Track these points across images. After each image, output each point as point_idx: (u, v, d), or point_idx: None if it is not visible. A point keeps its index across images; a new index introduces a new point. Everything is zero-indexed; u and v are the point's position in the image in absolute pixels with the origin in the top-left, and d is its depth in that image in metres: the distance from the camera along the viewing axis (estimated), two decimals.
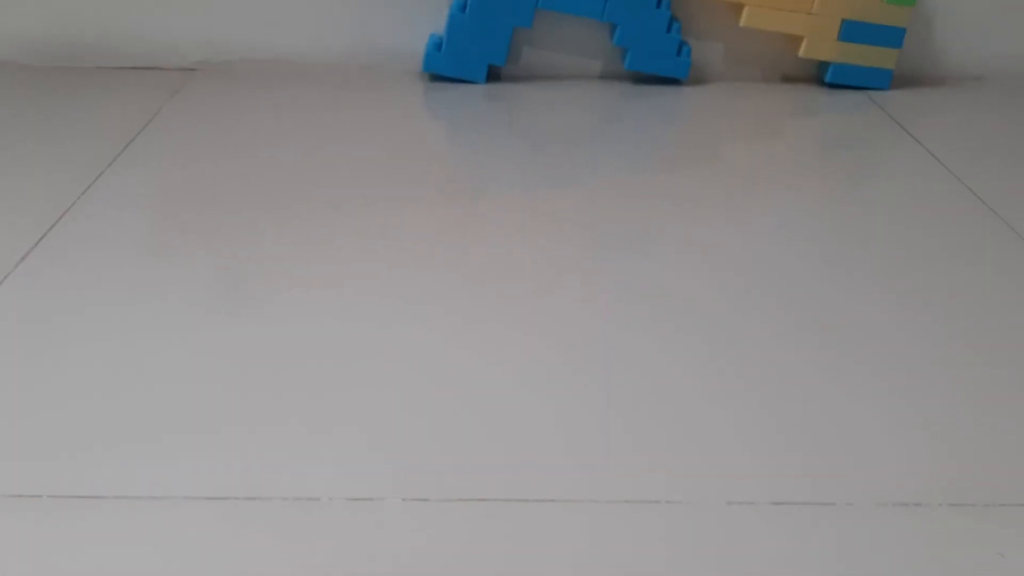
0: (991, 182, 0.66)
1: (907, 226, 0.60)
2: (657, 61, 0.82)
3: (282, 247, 0.55)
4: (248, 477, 0.37)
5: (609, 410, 0.42)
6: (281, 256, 0.54)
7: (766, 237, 0.58)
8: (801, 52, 0.84)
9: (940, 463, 0.39)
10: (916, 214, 0.62)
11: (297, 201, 0.60)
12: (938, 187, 0.66)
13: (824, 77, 0.85)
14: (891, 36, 0.83)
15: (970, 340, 0.48)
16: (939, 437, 0.41)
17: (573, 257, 0.55)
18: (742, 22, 0.81)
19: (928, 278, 0.54)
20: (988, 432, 0.41)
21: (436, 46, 0.81)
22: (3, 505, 0.36)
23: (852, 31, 0.82)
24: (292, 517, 0.35)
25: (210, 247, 0.54)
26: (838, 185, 0.69)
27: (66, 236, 0.55)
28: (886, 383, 0.44)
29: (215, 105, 0.76)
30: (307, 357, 0.45)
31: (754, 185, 0.66)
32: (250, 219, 0.57)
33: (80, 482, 0.37)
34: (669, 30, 0.81)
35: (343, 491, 0.37)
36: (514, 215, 0.60)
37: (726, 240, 0.58)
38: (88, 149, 0.66)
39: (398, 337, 0.47)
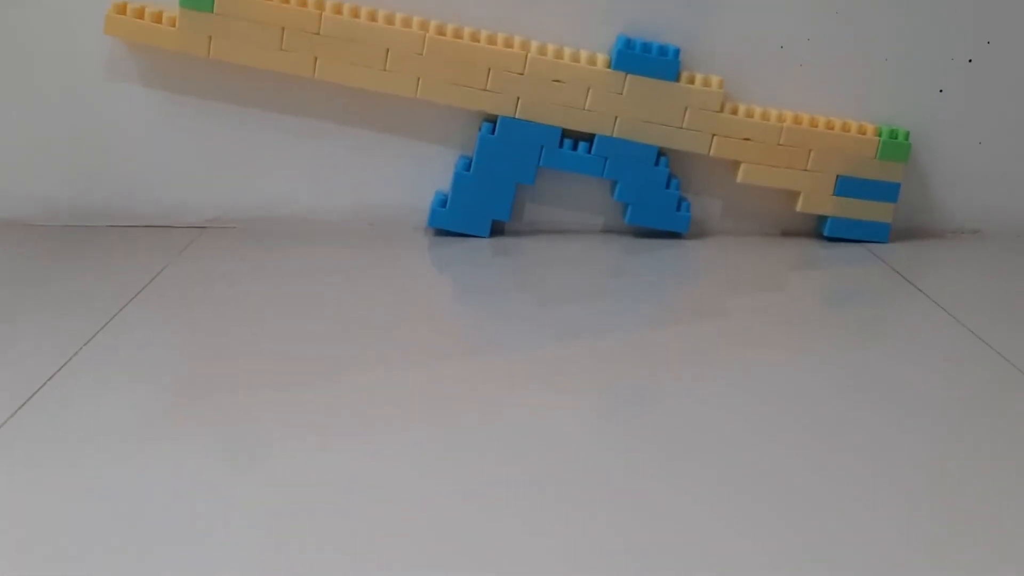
0: (1002, 331, 0.66)
1: (922, 377, 0.59)
2: (657, 216, 0.84)
3: (285, 407, 0.53)
4: None
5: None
6: (284, 417, 0.52)
7: (778, 392, 0.57)
8: (799, 207, 0.85)
9: None
10: (929, 364, 0.62)
11: (301, 359, 0.59)
12: (948, 336, 0.66)
13: (823, 231, 0.87)
14: (886, 191, 0.85)
15: (1007, 494, 0.46)
16: None
17: (579, 416, 0.54)
18: (739, 178, 0.84)
19: (949, 429, 0.53)
20: None
21: (441, 203, 0.83)
22: None
23: (847, 186, 0.84)
24: None
25: (210, 407, 0.53)
26: (846, 337, 0.68)
27: (57, 394, 0.54)
28: (909, 547, 0.42)
29: (222, 262, 0.76)
30: (313, 522, 0.43)
31: (762, 338, 0.66)
32: (253, 377, 0.57)
33: None
34: (668, 186, 0.83)
35: None
36: (519, 372, 0.59)
37: (738, 397, 0.56)
38: (89, 305, 0.66)
39: (405, 501, 0.45)
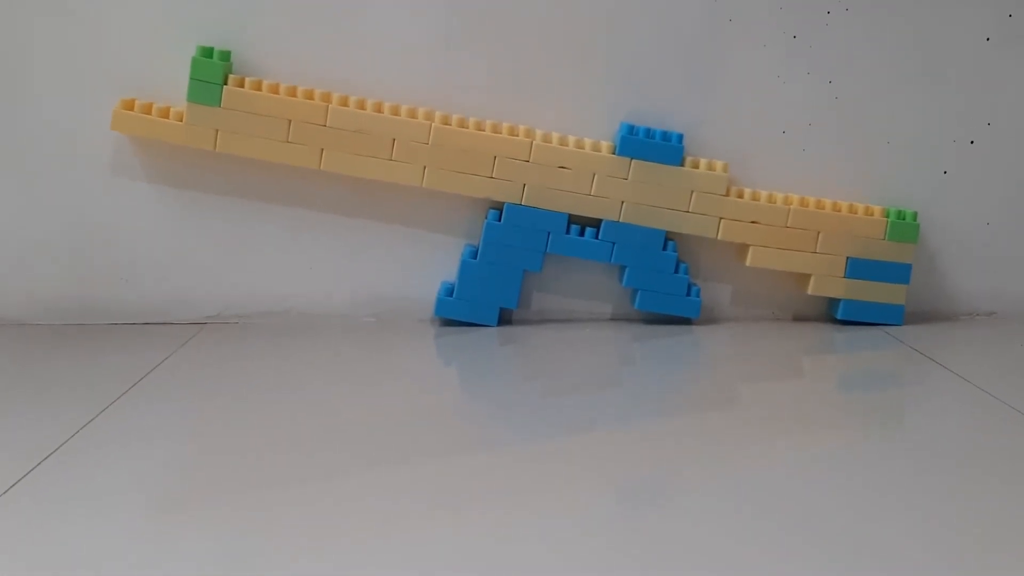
0: None
1: (961, 452, 0.57)
2: (667, 301, 0.83)
3: (284, 505, 0.50)
4: None
5: None
6: (283, 515, 0.49)
7: (804, 479, 0.54)
8: (810, 289, 0.84)
9: None
10: (965, 438, 0.59)
11: (303, 455, 0.56)
12: (981, 410, 0.64)
13: (835, 314, 0.85)
14: (897, 272, 0.84)
15: None
16: None
17: (591, 512, 0.51)
18: (748, 262, 0.83)
19: (992, 505, 0.50)
20: None
21: (448, 292, 0.81)
22: None
23: (858, 268, 0.83)
24: None
25: (204, 502, 0.50)
26: (878, 417, 0.66)
27: (44, 482, 0.51)
28: None
29: (223, 355, 0.74)
30: None
31: (783, 425, 0.63)
32: (251, 472, 0.53)
33: None
34: (677, 271, 0.82)
35: None
36: (529, 467, 0.55)
37: (762, 485, 0.53)
38: (83, 396, 0.63)
39: None
